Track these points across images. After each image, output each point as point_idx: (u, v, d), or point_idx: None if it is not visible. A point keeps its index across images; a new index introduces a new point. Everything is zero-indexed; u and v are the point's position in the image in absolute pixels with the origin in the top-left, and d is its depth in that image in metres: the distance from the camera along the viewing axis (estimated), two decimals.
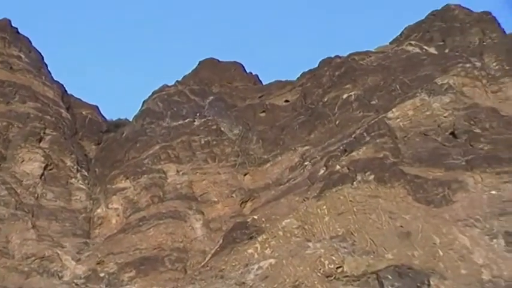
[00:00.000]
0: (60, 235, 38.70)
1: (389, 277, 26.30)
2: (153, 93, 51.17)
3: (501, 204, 30.86)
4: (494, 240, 29.14)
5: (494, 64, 43.49)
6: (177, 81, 53.42)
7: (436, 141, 36.48)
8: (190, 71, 56.38)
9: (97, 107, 54.46)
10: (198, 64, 57.14)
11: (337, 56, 50.55)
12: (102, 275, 35.53)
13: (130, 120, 51.55)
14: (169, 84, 52.26)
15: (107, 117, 55.18)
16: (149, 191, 40.53)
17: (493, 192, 31.68)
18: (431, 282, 25.27)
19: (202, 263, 32.33)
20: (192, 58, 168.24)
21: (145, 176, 41.82)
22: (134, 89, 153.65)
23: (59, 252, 36.95)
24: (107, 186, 42.40)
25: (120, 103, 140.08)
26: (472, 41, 49.13)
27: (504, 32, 51.84)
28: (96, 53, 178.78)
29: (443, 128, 37.58)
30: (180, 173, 42.00)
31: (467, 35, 49.60)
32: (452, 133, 37.06)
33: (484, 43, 48.16)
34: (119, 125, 53.45)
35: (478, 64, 43.08)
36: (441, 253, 27.62)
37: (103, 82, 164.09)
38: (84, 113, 51.92)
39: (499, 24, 51.43)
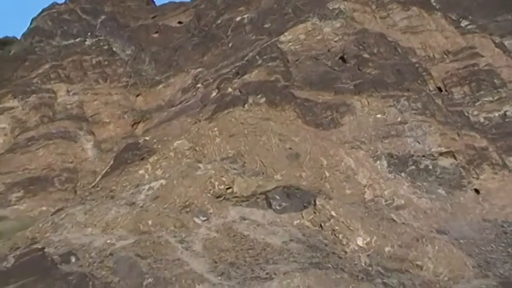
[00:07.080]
0: None
1: (277, 197, 26.90)
2: (43, 10, 49.77)
3: (385, 128, 31.98)
4: (378, 162, 30.29)
5: None
6: None
7: (326, 66, 37.09)
8: None
9: None
10: None
11: None
12: None
13: (19, 38, 49.94)
14: (60, 2, 50.85)
15: None
16: (38, 111, 39.75)
17: (379, 115, 32.72)
18: (317, 202, 25.94)
19: (93, 184, 32.11)
20: None
21: (34, 95, 40.91)
22: (22, 6, 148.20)
23: None
24: None
25: (7, 20, 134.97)
26: None
27: None
28: None
29: (333, 53, 38.25)
30: (71, 93, 41.31)
31: None
32: (342, 57, 37.78)
33: None
34: (6, 42, 51.61)
35: None
36: (327, 174, 28.37)
37: None
38: None
39: None
